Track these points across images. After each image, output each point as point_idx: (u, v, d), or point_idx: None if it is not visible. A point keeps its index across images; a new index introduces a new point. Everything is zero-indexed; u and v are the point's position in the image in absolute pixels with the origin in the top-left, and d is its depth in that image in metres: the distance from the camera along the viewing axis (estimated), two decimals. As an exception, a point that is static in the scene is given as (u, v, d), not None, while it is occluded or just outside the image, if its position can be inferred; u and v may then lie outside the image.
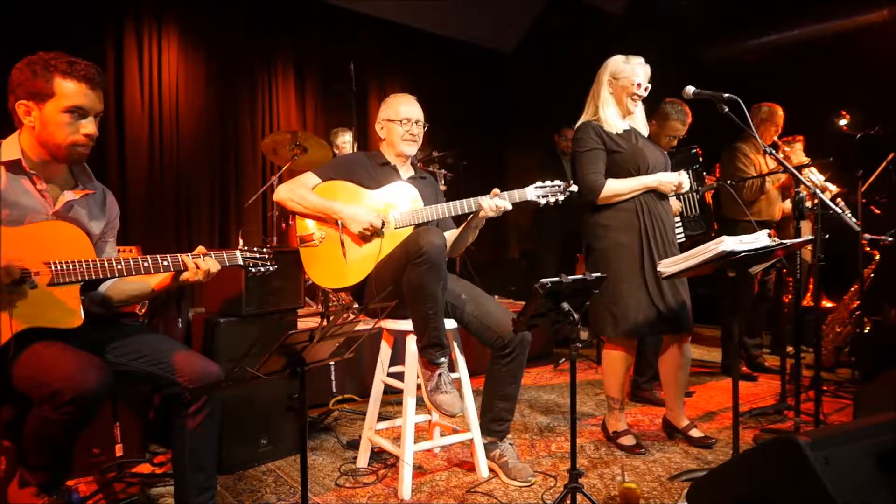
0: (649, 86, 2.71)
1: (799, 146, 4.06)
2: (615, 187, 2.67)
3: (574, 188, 2.57)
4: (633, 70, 2.68)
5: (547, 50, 6.93)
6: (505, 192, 2.45)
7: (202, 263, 1.84)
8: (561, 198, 2.52)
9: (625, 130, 2.74)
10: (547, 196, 2.49)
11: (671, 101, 3.36)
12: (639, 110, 2.82)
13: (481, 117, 7.31)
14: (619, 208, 2.70)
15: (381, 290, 2.28)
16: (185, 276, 1.86)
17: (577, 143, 2.75)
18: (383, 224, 2.43)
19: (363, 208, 2.42)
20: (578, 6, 6.33)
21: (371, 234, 2.41)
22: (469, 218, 2.51)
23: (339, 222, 2.41)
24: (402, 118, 2.57)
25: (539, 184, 2.50)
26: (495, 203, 2.40)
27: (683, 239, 3.32)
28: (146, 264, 1.79)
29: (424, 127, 2.64)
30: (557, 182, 2.52)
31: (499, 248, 7.13)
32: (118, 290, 1.97)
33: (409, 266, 2.19)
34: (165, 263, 1.81)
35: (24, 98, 1.73)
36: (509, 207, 2.44)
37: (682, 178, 2.71)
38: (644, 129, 2.85)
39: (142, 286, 1.97)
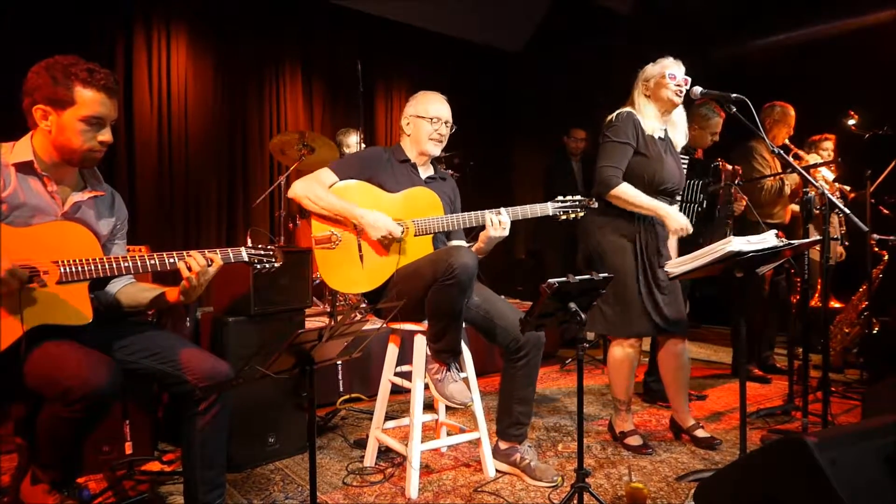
0: (688, 79, 2.67)
1: (828, 144, 4.04)
2: (628, 193, 2.62)
3: (595, 205, 2.54)
4: (662, 66, 2.67)
5: (554, 50, 6.92)
6: (527, 206, 2.42)
7: (200, 258, 1.81)
8: (581, 214, 2.49)
9: (660, 137, 2.72)
10: (567, 212, 2.47)
11: (701, 102, 3.32)
12: (680, 118, 2.80)
13: (488, 118, 7.31)
14: (618, 213, 2.69)
15: (401, 300, 2.21)
16: (184, 283, 1.84)
17: (611, 129, 2.69)
18: (404, 231, 2.38)
19: (384, 215, 2.35)
20: (586, 6, 6.33)
21: (390, 242, 2.37)
22: (478, 243, 2.48)
23: (358, 227, 2.36)
24: (431, 116, 2.50)
25: (560, 199, 2.48)
26: (498, 220, 2.35)
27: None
28: (153, 262, 1.80)
29: (452, 129, 2.58)
30: (578, 197, 2.49)
31: (505, 248, 7.15)
32: (129, 296, 1.98)
33: (436, 284, 2.15)
34: (171, 261, 1.82)
35: (41, 103, 1.74)
36: (506, 223, 2.37)
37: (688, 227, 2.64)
38: (683, 139, 2.83)
39: (149, 294, 1.97)
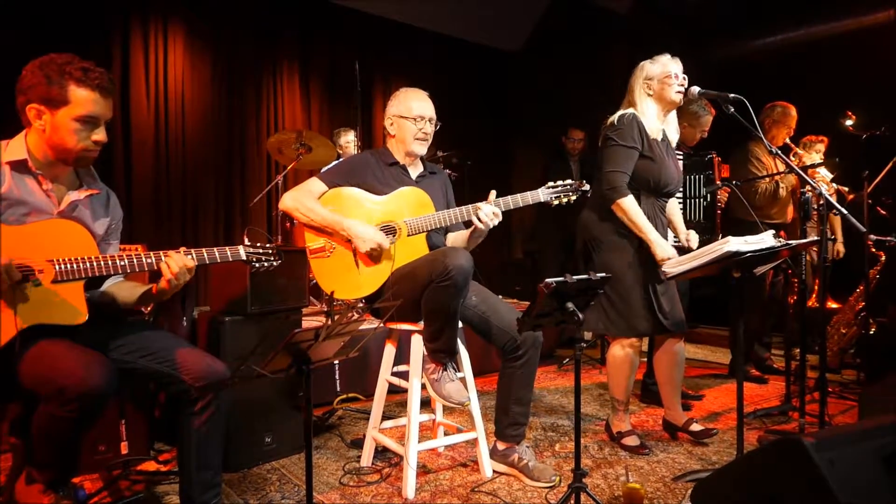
0: (686, 77, 2.65)
1: (821, 147, 4.03)
2: (631, 210, 2.57)
3: (587, 187, 2.53)
4: (664, 65, 2.64)
5: (552, 49, 6.92)
6: (517, 195, 2.41)
7: (173, 263, 1.80)
8: (573, 197, 2.48)
9: (661, 139, 2.70)
10: (559, 196, 2.47)
11: (691, 99, 3.33)
12: (673, 115, 2.79)
13: (486, 117, 7.31)
14: None
15: (398, 300, 2.20)
16: (163, 284, 1.83)
17: (616, 132, 2.63)
18: (396, 233, 2.37)
19: (372, 227, 2.35)
20: (585, 6, 6.32)
21: (379, 254, 2.35)
22: (471, 230, 2.48)
23: (348, 238, 2.34)
24: (415, 115, 2.47)
25: (550, 184, 2.47)
26: (490, 211, 2.34)
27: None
28: (149, 260, 1.80)
29: (437, 126, 2.56)
30: (569, 181, 2.48)
31: (503, 248, 7.14)
32: (124, 296, 1.97)
33: (432, 285, 2.15)
34: (149, 261, 1.81)
35: (35, 102, 1.73)
36: (498, 212, 2.37)
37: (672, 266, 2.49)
38: (675, 135, 2.81)
39: (137, 291, 1.96)
